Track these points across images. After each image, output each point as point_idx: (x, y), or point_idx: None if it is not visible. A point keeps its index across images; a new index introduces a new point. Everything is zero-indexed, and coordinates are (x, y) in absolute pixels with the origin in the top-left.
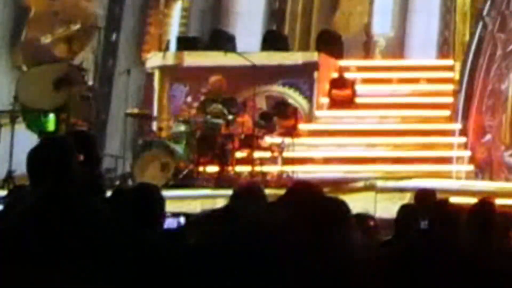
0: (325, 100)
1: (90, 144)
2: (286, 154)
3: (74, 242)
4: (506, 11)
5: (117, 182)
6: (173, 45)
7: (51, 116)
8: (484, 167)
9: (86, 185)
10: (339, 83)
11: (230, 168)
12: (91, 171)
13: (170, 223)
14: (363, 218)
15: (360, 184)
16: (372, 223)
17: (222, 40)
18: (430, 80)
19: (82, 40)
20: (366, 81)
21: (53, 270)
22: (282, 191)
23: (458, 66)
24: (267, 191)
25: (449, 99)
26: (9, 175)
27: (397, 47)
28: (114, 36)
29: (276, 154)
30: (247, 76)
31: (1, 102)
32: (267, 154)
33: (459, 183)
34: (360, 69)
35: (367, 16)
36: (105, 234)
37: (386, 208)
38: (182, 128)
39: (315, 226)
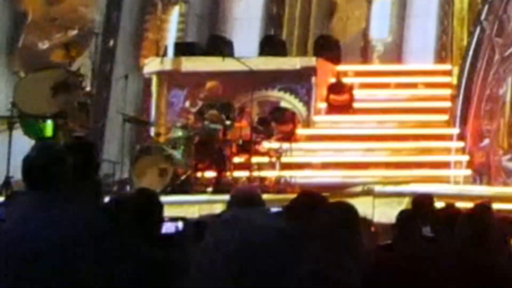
0: (323, 105)
1: (89, 150)
2: (284, 159)
3: (67, 246)
4: (504, 16)
5: (115, 188)
6: (170, 51)
7: (49, 122)
8: (482, 172)
9: (82, 190)
10: (337, 88)
11: (228, 173)
12: (89, 177)
13: (168, 227)
14: (366, 222)
15: (358, 189)
16: (372, 228)
17: (220, 46)
18: (428, 85)
19: (80, 46)
20: (364, 86)
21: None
22: (280, 196)
23: (456, 70)
24: (265, 196)
25: (447, 104)
26: (7, 181)
27: (395, 52)
28: (111, 42)
29: (274, 159)
30: (245, 81)
31: None
32: (265, 159)
33: (457, 188)
34: (358, 74)
35: (365, 21)
36: (98, 239)
37: (384, 213)
38: (180, 133)
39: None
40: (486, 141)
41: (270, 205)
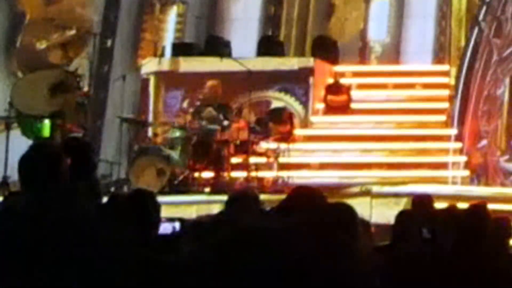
0: (320, 106)
1: (86, 151)
2: (281, 159)
3: (62, 246)
4: (502, 16)
5: (113, 188)
6: (168, 51)
7: (47, 122)
8: (480, 173)
9: (77, 190)
10: (335, 88)
11: (225, 173)
12: (86, 177)
13: (165, 228)
14: (366, 224)
15: (356, 189)
16: (372, 229)
17: (218, 46)
18: (426, 86)
19: (77, 46)
20: (361, 86)
21: (42, 274)
22: (277, 197)
23: (453, 71)
24: (263, 197)
25: (445, 105)
26: (4, 181)
27: (393, 52)
28: (109, 42)
29: (271, 159)
30: (242, 81)
31: None
32: (263, 160)
33: (455, 189)
34: (356, 74)
35: (363, 21)
36: (93, 238)
37: (381, 213)
38: (178, 134)
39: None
40: (484, 142)
41: (267, 206)
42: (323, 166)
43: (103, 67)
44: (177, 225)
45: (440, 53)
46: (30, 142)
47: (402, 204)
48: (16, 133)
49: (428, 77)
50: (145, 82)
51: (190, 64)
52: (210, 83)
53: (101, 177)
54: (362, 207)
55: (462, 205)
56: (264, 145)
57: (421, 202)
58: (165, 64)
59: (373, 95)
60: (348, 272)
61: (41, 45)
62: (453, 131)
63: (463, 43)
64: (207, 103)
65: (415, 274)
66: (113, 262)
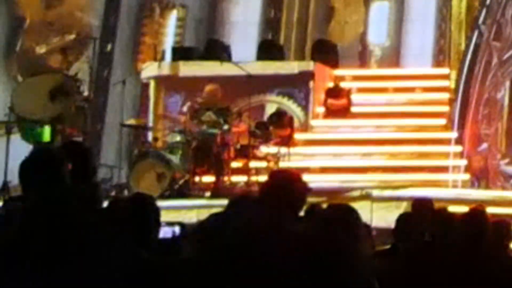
0: (320, 110)
1: (86, 155)
2: (282, 163)
3: (62, 251)
4: (502, 19)
5: (113, 192)
6: (168, 55)
7: (47, 127)
8: (480, 176)
9: (80, 195)
10: (335, 92)
11: (226, 178)
12: (86, 181)
13: (165, 232)
14: (367, 227)
15: (356, 193)
16: (373, 232)
17: (218, 50)
18: (426, 89)
19: (77, 50)
20: (361, 90)
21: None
22: None
23: (453, 74)
24: None
25: (445, 108)
26: (5, 186)
27: (393, 56)
28: (109, 46)
29: (272, 163)
30: (242, 85)
31: None
32: (263, 164)
33: (455, 192)
34: (356, 78)
35: (363, 25)
36: (94, 243)
37: (382, 217)
38: (178, 138)
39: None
40: (484, 145)
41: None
42: (323, 170)
43: (103, 71)
44: (177, 229)
45: (440, 57)
46: (30, 146)
47: (403, 207)
48: (16, 137)
49: (428, 81)
50: (145, 86)
51: (190, 68)
52: (208, 87)
53: (101, 182)
54: (363, 211)
55: (463, 209)
56: (264, 149)
57: (422, 205)
58: (165, 68)
59: (373, 99)
60: (349, 272)
61: (41, 49)
62: (454, 135)
63: (463, 46)
64: (207, 107)
65: (416, 276)
66: (113, 266)
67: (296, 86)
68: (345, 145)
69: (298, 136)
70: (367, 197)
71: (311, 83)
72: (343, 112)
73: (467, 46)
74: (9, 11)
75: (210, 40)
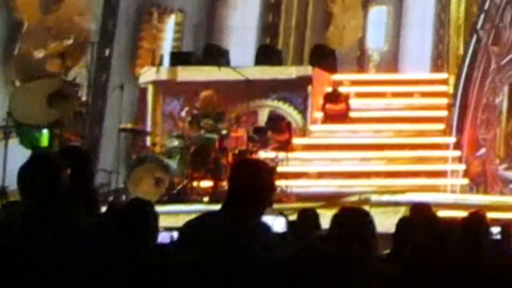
0: (319, 114)
1: (84, 160)
2: (280, 168)
3: (61, 255)
4: (500, 24)
5: (111, 197)
6: (166, 60)
7: (45, 131)
8: (479, 181)
9: (78, 200)
10: (333, 97)
11: (224, 183)
12: (84, 186)
13: (163, 237)
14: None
15: (354, 198)
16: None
17: (216, 55)
18: (424, 94)
19: (75, 55)
20: (360, 95)
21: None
22: (276, 206)
23: (452, 79)
24: None
25: (443, 113)
26: (3, 190)
27: (391, 61)
28: (107, 51)
29: None
30: (241, 90)
31: None
32: None
33: (454, 197)
34: (354, 83)
35: (361, 30)
36: (91, 248)
37: (380, 222)
38: (176, 143)
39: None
40: (483, 150)
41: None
42: (321, 175)
43: (101, 76)
44: (175, 234)
45: (439, 62)
46: (28, 151)
47: (401, 212)
48: (14, 142)
49: (427, 86)
50: (143, 91)
51: (188, 73)
52: (203, 93)
53: (99, 186)
54: None
55: (461, 214)
56: (262, 154)
57: (420, 210)
58: (163, 73)
59: (372, 104)
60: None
61: (39, 54)
62: (452, 140)
63: (461, 51)
64: (204, 112)
65: (417, 282)
66: (112, 271)
67: (294, 91)
68: (343, 150)
69: (296, 141)
70: (365, 202)
71: (309, 88)
72: (342, 117)
73: (466, 51)
74: (7, 16)
75: (208, 45)
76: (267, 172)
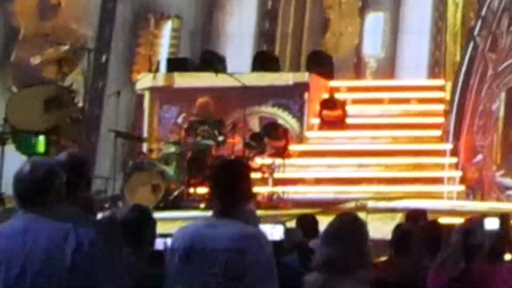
0: (315, 121)
1: (81, 166)
2: (276, 175)
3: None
4: (497, 31)
5: (108, 204)
6: (163, 66)
7: (41, 138)
8: (476, 187)
9: (74, 206)
10: (330, 103)
11: None
12: (82, 193)
13: (157, 243)
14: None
15: (351, 204)
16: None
17: (213, 61)
18: (421, 100)
19: (72, 62)
20: (356, 101)
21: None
22: (272, 212)
23: (449, 86)
24: (258, 212)
25: (440, 119)
26: (0, 197)
27: (388, 67)
28: (104, 58)
29: (266, 175)
30: (237, 97)
31: None
32: (258, 175)
33: (451, 204)
34: (351, 89)
35: (358, 37)
36: (90, 256)
37: (377, 228)
38: (173, 149)
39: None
40: (479, 157)
41: (263, 221)
42: (318, 181)
43: (98, 82)
44: (168, 241)
45: (435, 68)
46: (24, 158)
47: (398, 219)
48: (10, 148)
49: (423, 92)
50: (139, 98)
51: (185, 80)
52: (200, 100)
53: (96, 193)
54: None
55: (458, 220)
56: (259, 161)
57: (415, 216)
58: (160, 79)
59: (368, 110)
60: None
61: (36, 60)
62: (449, 146)
63: (458, 57)
64: (200, 119)
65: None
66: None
67: (291, 97)
68: (340, 157)
69: (293, 147)
70: (362, 208)
71: (306, 95)
72: (338, 123)
73: (463, 58)
74: (4, 22)
75: (205, 51)
76: (241, 165)
